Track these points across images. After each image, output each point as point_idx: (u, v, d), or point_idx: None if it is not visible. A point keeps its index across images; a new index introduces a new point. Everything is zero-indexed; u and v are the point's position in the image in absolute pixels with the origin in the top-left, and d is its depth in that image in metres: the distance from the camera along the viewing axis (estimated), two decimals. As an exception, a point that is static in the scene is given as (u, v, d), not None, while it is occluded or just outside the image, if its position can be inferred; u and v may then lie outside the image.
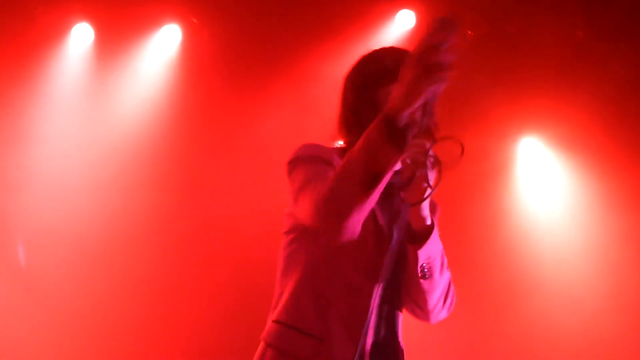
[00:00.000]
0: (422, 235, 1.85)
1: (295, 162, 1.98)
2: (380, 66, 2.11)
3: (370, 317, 1.90)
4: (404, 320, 2.22)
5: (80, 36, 6.11)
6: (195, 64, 6.31)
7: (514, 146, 6.66)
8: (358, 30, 6.07)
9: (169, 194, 6.51)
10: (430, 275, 1.92)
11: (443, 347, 6.18)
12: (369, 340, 1.91)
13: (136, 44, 6.23)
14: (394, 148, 1.55)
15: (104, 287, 6.10)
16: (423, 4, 6.07)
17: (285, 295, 1.98)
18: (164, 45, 6.29)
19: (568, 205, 6.55)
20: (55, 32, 6.06)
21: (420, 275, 1.90)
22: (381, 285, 1.91)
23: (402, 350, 2.04)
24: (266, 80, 6.41)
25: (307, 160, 1.95)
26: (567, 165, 6.55)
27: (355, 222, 1.70)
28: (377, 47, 2.26)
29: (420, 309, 2.06)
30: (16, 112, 6.25)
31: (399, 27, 6.18)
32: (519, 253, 6.46)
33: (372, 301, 1.90)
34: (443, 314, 2.10)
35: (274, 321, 1.98)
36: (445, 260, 2.00)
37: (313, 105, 6.41)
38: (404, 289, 2.05)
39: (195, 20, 6.16)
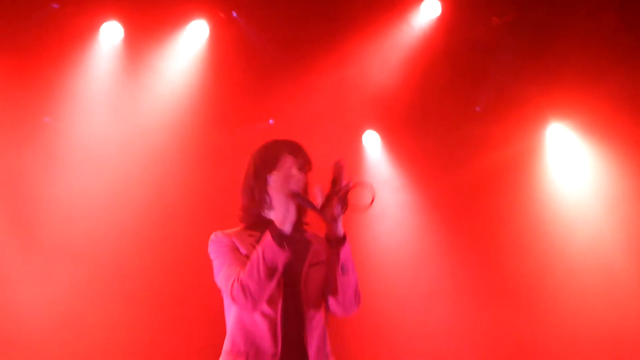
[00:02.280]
0: (339, 242, 2.51)
1: (212, 245, 2.68)
2: (271, 154, 2.74)
3: (277, 334, 2.53)
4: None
5: (110, 34, 6.10)
6: (223, 57, 6.27)
7: (542, 132, 6.71)
8: (386, 20, 6.05)
9: (197, 184, 6.57)
10: (347, 272, 2.54)
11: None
12: (279, 347, 2.52)
13: (165, 40, 6.20)
14: (283, 249, 2.39)
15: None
16: None
17: (227, 332, 2.64)
18: (192, 40, 6.26)
19: (595, 190, 6.54)
20: (86, 30, 6.04)
21: (341, 272, 2.53)
22: (280, 309, 2.53)
23: (312, 351, 2.57)
24: (292, 73, 6.36)
25: (218, 246, 2.66)
26: (594, 151, 6.55)
27: (263, 299, 2.48)
28: (269, 142, 2.83)
29: (339, 304, 2.61)
30: (49, 108, 6.29)
31: (425, 16, 6.12)
32: (549, 234, 6.49)
33: (277, 324, 2.53)
34: (354, 308, 2.66)
35: (222, 352, 2.62)
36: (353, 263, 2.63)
37: (339, 95, 6.48)
38: (325, 291, 2.62)
39: (222, 15, 6.10)
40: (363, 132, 7.19)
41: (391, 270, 6.86)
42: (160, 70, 6.40)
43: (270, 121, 6.93)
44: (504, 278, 6.47)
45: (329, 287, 2.65)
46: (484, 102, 6.62)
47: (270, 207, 2.67)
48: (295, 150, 2.73)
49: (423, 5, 6.11)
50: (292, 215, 2.50)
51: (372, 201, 2.47)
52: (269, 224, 2.55)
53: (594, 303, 6.11)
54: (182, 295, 6.59)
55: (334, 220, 2.52)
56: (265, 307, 2.56)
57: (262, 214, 2.68)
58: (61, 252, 6.25)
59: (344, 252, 2.56)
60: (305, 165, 2.71)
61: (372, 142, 7.22)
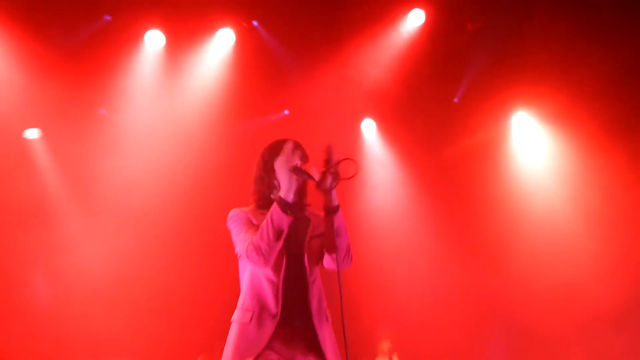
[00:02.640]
0: (334, 210, 2.66)
1: (230, 219, 2.83)
2: (275, 146, 2.86)
3: (279, 297, 2.68)
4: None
5: (153, 41, 6.26)
6: (245, 59, 6.40)
7: (509, 119, 6.82)
8: (380, 28, 6.21)
9: (223, 163, 6.62)
10: (340, 235, 2.69)
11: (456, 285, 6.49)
12: (279, 308, 2.67)
13: (198, 45, 6.35)
14: (287, 215, 2.56)
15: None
16: (431, 3, 6.12)
17: (241, 292, 2.80)
18: (220, 45, 6.39)
19: (551, 166, 6.64)
20: (133, 38, 6.20)
21: (336, 235, 2.67)
22: (282, 275, 2.69)
23: (314, 309, 2.71)
24: (303, 72, 6.52)
25: (236, 219, 2.82)
26: (551, 135, 6.65)
27: (272, 257, 2.64)
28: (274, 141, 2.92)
29: (334, 261, 2.73)
30: (104, 102, 6.49)
31: (411, 24, 6.26)
32: (514, 202, 6.61)
33: (279, 288, 2.70)
34: (347, 265, 2.79)
35: (236, 309, 2.78)
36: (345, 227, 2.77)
37: (342, 90, 6.58)
38: (318, 261, 2.79)
39: (245, 24, 6.26)
40: (362, 120, 7.27)
41: (384, 231, 6.88)
42: (194, 70, 6.49)
43: (286, 112, 7.03)
44: (477, 238, 6.51)
45: (326, 248, 2.79)
46: (460, 95, 6.66)
47: (278, 189, 2.74)
48: (296, 142, 2.85)
49: (410, 15, 6.23)
50: (293, 187, 2.63)
51: (356, 173, 2.63)
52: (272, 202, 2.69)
53: (548, 255, 6.18)
54: (217, 251, 6.34)
55: (328, 191, 2.64)
56: (270, 273, 2.71)
57: (272, 196, 2.78)
58: (117, 216, 6.42)
59: (338, 219, 2.69)
60: (304, 157, 2.82)
61: (369, 129, 7.31)
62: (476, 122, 6.69)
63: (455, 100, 6.73)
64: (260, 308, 2.73)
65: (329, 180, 2.62)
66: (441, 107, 6.81)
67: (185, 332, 6.17)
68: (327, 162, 2.63)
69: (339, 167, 2.61)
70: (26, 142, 6.59)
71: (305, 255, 2.78)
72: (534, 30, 6.06)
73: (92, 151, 6.46)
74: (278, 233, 2.61)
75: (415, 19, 6.28)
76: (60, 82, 6.03)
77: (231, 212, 2.87)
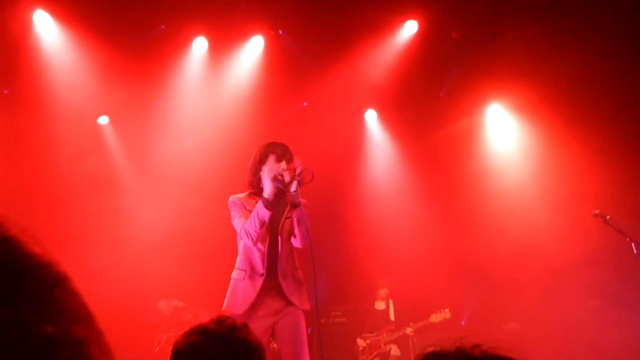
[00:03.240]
0: (296, 206, 3.08)
1: (230, 204, 3.24)
2: (259, 156, 3.25)
3: (265, 261, 3.16)
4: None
5: (199, 46, 6.46)
6: (272, 62, 6.57)
7: (485, 110, 6.95)
8: (381, 35, 6.41)
9: (254, 146, 6.65)
10: (300, 224, 3.14)
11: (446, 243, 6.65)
12: (265, 269, 3.14)
13: (234, 49, 6.53)
14: (268, 210, 3.01)
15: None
16: (424, 15, 6.29)
17: (238, 256, 3.28)
18: (252, 50, 6.56)
19: (519, 148, 6.78)
20: (183, 43, 6.39)
21: (297, 223, 3.11)
22: (267, 245, 3.14)
23: (281, 270, 3.16)
24: (318, 72, 6.68)
25: (233, 204, 3.22)
26: (521, 123, 6.79)
27: (259, 239, 3.10)
28: (264, 144, 3.30)
29: (295, 241, 3.23)
30: (160, 95, 6.69)
31: (406, 32, 6.43)
32: (486, 178, 6.73)
33: (265, 254, 3.16)
34: (305, 244, 3.21)
35: (234, 268, 3.26)
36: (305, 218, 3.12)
37: (349, 86, 6.72)
38: (291, 236, 3.20)
39: (272, 33, 6.45)
40: (365, 111, 7.38)
41: (383, 199, 7.08)
42: (231, 70, 6.66)
43: (304, 104, 7.18)
44: (457, 205, 6.68)
45: (292, 232, 3.25)
46: (445, 90, 6.81)
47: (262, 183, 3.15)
48: (279, 150, 3.17)
49: (405, 25, 6.42)
50: (273, 190, 3.06)
51: (311, 179, 3.05)
52: (261, 195, 3.12)
53: (512, 219, 6.30)
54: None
55: (294, 193, 3.06)
56: (259, 244, 3.16)
57: (260, 185, 3.17)
58: (171, 185, 6.63)
59: (298, 213, 3.11)
60: (286, 156, 3.14)
61: (371, 118, 7.43)
62: (458, 113, 6.78)
63: (442, 94, 6.79)
64: (251, 269, 3.17)
65: (294, 185, 3.07)
66: (430, 100, 6.88)
67: (223, 276, 6.40)
68: (294, 171, 3.08)
69: (302, 175, 3.03)
70: (99, 127, 6.87)
71: (279, 231, 3.22)
72: (507, 36, 6.16)
73: (150, 134, 6.64)
74: (261, 223, 3.05)
75: (409, 28, 6.42)
76: (126, 79, 6.21)
77: (230, 198, 3.27)
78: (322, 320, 5.90)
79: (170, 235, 6.41)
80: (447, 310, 5.83)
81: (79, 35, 6.09)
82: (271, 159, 3.18)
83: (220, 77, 6.71)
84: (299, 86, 6.86)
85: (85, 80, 6.25)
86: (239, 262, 3.23)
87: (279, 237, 3.21)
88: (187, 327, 1.54)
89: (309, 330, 5.78)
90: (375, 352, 6.05)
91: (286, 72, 6.71)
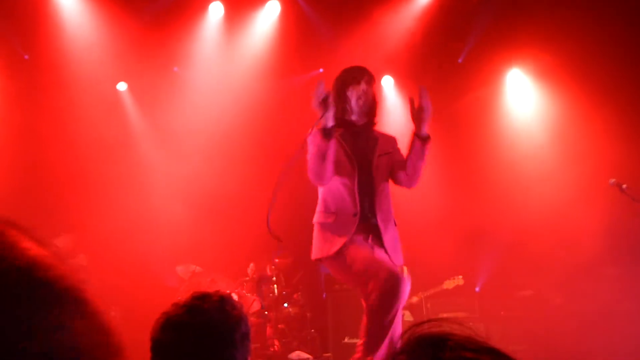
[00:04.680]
0: (426, 139, 2.75)
1: (308, 140, 2.84)
2: (347, 76, 2.89)
3: (356, 199, 2.73)
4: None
5: (215, 11, 6.46)
6: (289, 27, 6.55)
7: (505, 76, 6.83)
8: (397, 2, 6.37)
9: (268, 111, 6.80)
10: (424, 159, 2.79)
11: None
12: (358, 208, 2.72)
13: (251, 14, 6.54)
14: (325, 139, 2.62)
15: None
16: None
17: (320, 199, 2.89)
18: (268, 14, 6.55)
19: (539, 114, 6.67)
20: (199, 8, 6.39)
21: (420, 159, 2.75)
22: (356, 181, 2.73)
23: (379, 210, 2.74)
24: (335, 36, 6.66)
25: (310, 141, 2.81)
26: (541, 89, 6.69)
27: (324, 176, 2.69)
28: (345, 69, 2.92)
29: (409, 180, 2.84)
30: (176, 61, 6.80)
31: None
32: (506, 146, 6.65)
33: (355, 192, 2.74)
34: (415, 184, 2.88)
35: (316, 211, 2.88)
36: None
37: (366, 51, 6.45)
38: (401, 168, 2.80)
39: None
40: (382, 77, 7.23)
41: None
42: (247, 35, 6.67)
43: (320, 70, 7.11)
44: (478, 171, 6.58)
45: (405, 167, 2.79)
46: (464, 56, 6.72)
47: (350, 112, 2.75)
48: (359, 74, 2.81)
49: None
50: (330, 114, 2.62)
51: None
52: (347, 123, 2.75)
53: (532, 181, 6.23)
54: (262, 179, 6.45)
55: (421, 122, 2.69)
56: (347, 181, 2.72)
57: (345, 117, 2.78)
58: (186, 146, 6.78)
59: (428, 147, 2.76)
60: (369, 80, 2.79)
61: (388, 84, 7.36)
62: (477, 79, 6.70)
63: (460, 60, 6.73)
64: (341, 209, 2.73)
65: (424, 114, 2.67)
66: (448, 66, 6.81)
67: (239, 242, 6.42)
68: (421, 99, 2.66)
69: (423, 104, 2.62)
70: (117, 92, 6.95)
71: (373, 168, 2.79)
72: (529, 2, 6.06)
73: (167, 99, 6.73)
74: (322, 155, 2.63)
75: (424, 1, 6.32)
76: (143, 45, 6.26)
77: (311, 131, 2.80)
78: (336, 286, 6.01)
79: (185, 194, 6.57)
80: (460, 276, 5.88)
81: (96, 0, 6.14)
82: (363, 82, 2.80)
83: (237, 43, 6.72)
84: (315, 52, 6.83)
85: (103, 46, 6.32)
86: (324, 204, 2.82)
87: (373, 175, 2.79)
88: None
89: (324, 295, 5.98)
90: (387, 318, 6.13)
91: (302, 37, 6.69)
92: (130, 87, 6.98)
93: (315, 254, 2.83)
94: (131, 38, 6.23)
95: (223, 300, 1.43)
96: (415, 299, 6.04)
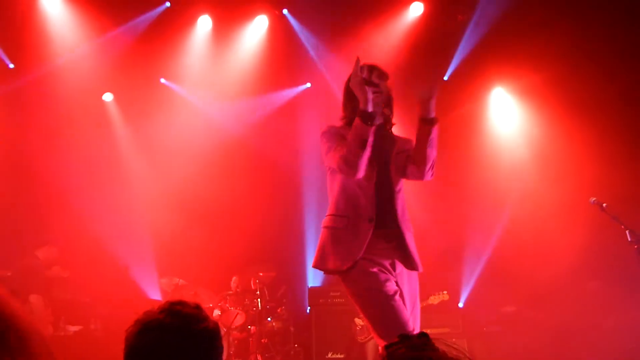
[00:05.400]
0: (432, 121, 2.45)
1: (323, 134, 2.58)
2: (348, 80, 2.60)
3: (373, 202, 2.45)
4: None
5: (203, 24, 6.48)
6: (276, 41, 6.61)
7: (489, 94, 6.92)
8: (386, 16, 6.41)
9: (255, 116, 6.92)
10: (432, 146, 2.49)
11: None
12: (374, 212, 2.44)
13: (238, 28, 6.56)
14: (367, 125, 2.35)
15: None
16: None
17: (332, 201, 2.55)
18: (256, 29, 6.58)
19: (520, 130, 6.74)
20: (188, 21, 6.42)
21: (429, 145, 2.45)
22: (374, 182, 2.47)
23: (400, 215, 2.48)
24: (322, 51, 6.71)
25: (329, 134, 2.56)
26: (523, 106, 6.77)
27: (361, 168, 2.40)
28: (359, 64, 2.62)
29: (419, 171, 2.52)
30: (164, 73, 6.82)
31: (412, 14, 6.46)
32: (488, 157, 6.73)
33: (372, 194, 2.47)
34: (429, 177, 2.56)
35: (326, 215, 2.55)
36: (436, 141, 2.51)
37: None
38: (410, 163, 2.52)
39: (277, 12, 6.50)
40: None
41: None
42: (235, 49, 6.69)
43: (308, 84, 7.20)
44: (460, 184, 6.60)
45: (414, 158, 2.50)
46: (450, 74, 6.72)
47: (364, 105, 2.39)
48: (370, 71, 2.57)
49: (411, 7, 6.46)
50: (369, 97, 2.35)
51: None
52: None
53: (512, 205, 6.32)
54: (249, 190, 6.81)
55: (427, 101, 2.42)
56: (362, 182, 2.45)
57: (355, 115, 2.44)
58: (171, 154, 6.76)
59: (435, 130, 2.45)
60: (381, 75, 2.56)
61: None
62: (461, 97, 6.74)
63: (445, 78, 6.76)
64: (356, 213, 2.46)
65: (430, 93, 2.39)
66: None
67: (222, 255, 6.40)
68: (431, 74, 2.39)
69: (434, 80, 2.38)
70: (104, 102, 6.95)
71: (392, 167, 2.55)
72: (512, 20, 6.13)
73: (153, 111, 6.72)
74: (362, 142, 2.36)
75: (415, 10, 6.45)
76: (131, 56, 6.27)
77: (324, 127, 2.59)
78: (320, 300, 6.00)
79: (174, 214, 6.55)
80: (445, 292, 5.88)
81: (84, 11, 6.13)
82: (355, 67, 2.51)
83: (224, 56, 6.75)
84: (302, 67, 6.90)
85: (90, 56, 6.31)
86: (336, 206, 2.51)
87: (391, 175, 2.54)
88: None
89: (309, 310, 5.96)
90: (373, 332, 6.13)
91: (290, 52, 6.76)
92: (116, 98, 6.98)
93: (318, 262, 2.51)
94: (119, 49, 6.25)
95: (200, 307, 1.41)
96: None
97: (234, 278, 6.31)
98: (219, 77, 6.81)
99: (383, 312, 2.34)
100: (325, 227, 2.52)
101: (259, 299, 5.90)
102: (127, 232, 6.49)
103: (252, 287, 6.11)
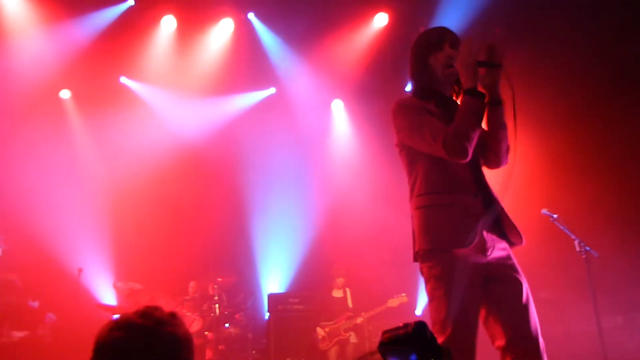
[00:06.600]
0: (500, 103, 2.25)
1: (401, 108, 2.29)
2: (427, 41, 2.38)
3: (472, 175, 2.23)
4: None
5: (167, 24, 6.37)
6: (241, 44, 6.59)
7: None
8: (351, 27, 6.49)
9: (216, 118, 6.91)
10: (505, 128, 2.28)
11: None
12: (478, 188, 2.23)
13: (204, 30, 6.48)
14: (480, 100, 2.13)
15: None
16: (393, 9, 6.44)
17: (419, 179, 2.26)
18: (222, 32, 6.51)
19: None
20: (152, 21, 6.30)
21: (501, 128, 2.25)
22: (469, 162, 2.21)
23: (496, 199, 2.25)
24: (287, 57, 6.72)
25: (409, 109, 2.27)
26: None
27: (473, 146, 2.13)
28: (425, 29, 2.49)
29: (495, 155, 2.31)
30: (126, 72, 6.71)
31: (377, 24, 6.53)
32: None
33: (468, 167, 2.23)
34: (505, 160, 2.33)
35: (417, 195, 2.25)
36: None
37: (318, 76, 6.77)
38: (485, 147, 2.29)
39: (242, 16, 6.46)
40: (332, 101, 7.49)
41: (340, 189, 7.15)
42: (199, 51, 6.63)
43: (272, 89, 7.18)
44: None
45: (490, 146, 2.30)
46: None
47: (438, 82, 2.27)
48: (451, 34, 2.36)
49: (376, 17, 6.53)
50: (476, 76, 2.15)
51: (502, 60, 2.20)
52: (436, 94, 2.27)
53: None
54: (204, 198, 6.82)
55: (495, 84, 2.22)
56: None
57: (434, 88, 2.30)
58: (127, 152, 6.58)
59: (503, 111, 2.25)
60: (455, 42, 2.32)
61: (338, 108, 7.57)
62: None
63: (405, 90, 6.70)
64: (458, 189, 2.21)
65: (494, 73, 2.21)
66: (394, 93, 6.75)
67: (180, 259, 6.34)
68: (491, 57, 2.19)
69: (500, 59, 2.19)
70: (61, 100, 6.82)
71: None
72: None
73: (113, 108, 6.60)
74: (480, 121, 2.16)
75: (380, 21, 6.54)
76: (91, 53, 6.15)
77: (400, 102, 2.33)
78: (279, 306, 6.00)
79: (131, 216, 6.46)
80: (404, 294, 5.97)
81: (43, 6, 5.97)
82: (446, 46, 2.30)
83: (188, 58, 6.68)
84: (266, 71, 6.91)
85: (49, 54, 6.15)
86: (433, 184, 2.24)
87: (478, 156, 2.32)
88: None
89: (268, 316, 5.93)
90: (335, 340, 6.13)
91: (255, 56, 6.75)
92: (74, 96, 6.85)
93: (436, 242, 2.20)
94: (79, 45, 6.13)
95: (175, 315, 1.43)
96: (360, 320, 6.11)
97: (192, 283, 6.26)
98: (181, 78, 6.76)
99: (460, 324, 2.15)
100: (425, 206, 2.23)
101: (217, 305, 5.86)
102: (82, 234, 6.35)
103: (211, 292, 6.07)
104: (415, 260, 2.32)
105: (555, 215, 4.15)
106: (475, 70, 2.17)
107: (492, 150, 2.31)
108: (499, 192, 2.24)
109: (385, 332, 1.44)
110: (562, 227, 4.15)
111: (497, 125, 2.28)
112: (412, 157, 2.30)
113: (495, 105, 2.25)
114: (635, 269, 5.36)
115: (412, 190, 2.31)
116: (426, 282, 2.23)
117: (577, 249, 4.07)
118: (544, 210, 4.18)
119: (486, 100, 2.19)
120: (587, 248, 4.07)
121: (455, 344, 2.05)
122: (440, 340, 2.07)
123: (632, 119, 5.76)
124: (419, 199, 2.25)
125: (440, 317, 2.13)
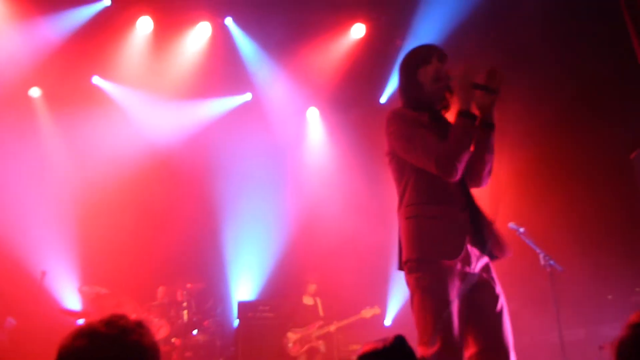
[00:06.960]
0: (492, 126, 2.29)
1: (396, 118, 2.31)
2: (416, 56, 2.43)
3: (461, 189, 2.27)
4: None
5: (143, 25, 6.27)
6: (218, 49, 6.55)
7: None
8: (327, 37, 6.51)
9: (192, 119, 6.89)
10: (492, 151, 2.33)
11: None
12: (466, 202, 2.27)
13: (180, 33, 6.41)
14: (473, 122, 2.19)
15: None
16: (371, 20, 6.48)
17: (409, 189, 2.28)
18: (199, 35, 6.46)
19: None
20: (127, 22, 6.19)
21: (488, 151, 2.30)
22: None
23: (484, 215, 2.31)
24: (264, 64, 6.72)
25: (403, 119, 2.29)
26: None
27: (461, 170, 2.18)
28: (414, 45, 2.50)
29: (478, 176, 2.34)
30: (101, 73, 6.61)
31: (354, 34, 6.57)
32: None
33: (458, 181, 2.26)
34: (486, 182, 2.39)
35: (407, 205, 2.26)
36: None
37: (295, 83, 6.81)
38: (469, 166, 2.29)
39: (220, 20, 6.42)
40: (307, 108, 7.53)
41: (314, 196, 7.19)
42: (176, 53, 6.56)
43: (248, 94, 7.15)
44: (383, 206, 6.44)
45: (474, 166, 2.31)
46: (386, 95, 6.92)
47: (428, 98, 2.30)
48: (438, 49, 2.41)
49: (353, 28, 6.56)
50: (471, 98, 2.18)
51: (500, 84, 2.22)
52: (427, 107, 2.30)
53: None
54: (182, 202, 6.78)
55: (489, 107, 2.24)
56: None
57: (423, 99, 2.33)
58: (98, 152, 6.54)
59: (493, 135, 2.28)
60: (442, 57, 2.36)
61: (313, 116, 7.60)
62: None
63: (380, 101, 6.99)
64: (446, 201, 2.24)
65: (491, 98, 2.24)
66: (368, 104, 7.09)
67: (148, 263, 6.28)
68: (490, 80, 2.22)
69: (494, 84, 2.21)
70: (30, 98, 6.70)
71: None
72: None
73: (84, 109, 6.52)
74: (471, 142, 2.21)
75: (357, 31, 6.59)
76: (63, 52, 6.04)
77: (395, 111, 2.35)
78: (249, 314, 5.97)
79: (98, 219, 6.35)
80: (377, 307, 6.08)
81: (16, 2, 5.85)
82: (434, 60, 2.34)
83: (163, 61, 6.61)
84: (243, 76, 6.89)
85: (19, 52, 6.02)
86: (421, 194, 2.25)
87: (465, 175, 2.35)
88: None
89: (238, 323, 5.89)
90: (306, 347, 6.13)
91: (232, 61, 6.72)
92: (44, 94, 6.73)
93: (412, 253, 2.21)
94: (50, 45, 6.02)
95: (142, 324, 1.41)
96: (332, 328, 6.14)
97: (160, 288, 6.17)
98: (156, 80, 6.68)
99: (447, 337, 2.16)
100: (414, 216, 2.24)
101: (185, 311, 5.78)
102: (47, 236, 6.22)
103: (179, 298, 6.00)
104: (400, 269, 2.33)
105: (521, 229, 4.24)
106: (470, 92, 2.20)
107: (475, 170, 2.34)
108: (490, 212, 2.28)
109: (364, 345, 1.48)
110: (527, 241, 4.24)
111: (485, 147, 2.31)
112: (402, 166, 2.32)
113: (486, 127, 2.28)
114: (595, 281, 5.46)
115: (401, 199, 2.32)
116: (412, 294, 2.24)
117: (542, 262, 4.16)
118: (511, 224, 4.27)
119: (477, 122, 2.22)
120: (552, 262, 4.17)
121: (445, 357, 2.07)
122: (428, 353, 2.07)
123: (597, 137, 5.88)
124: (409, 208, 2.26)
125: (428, 329, 2.13)
